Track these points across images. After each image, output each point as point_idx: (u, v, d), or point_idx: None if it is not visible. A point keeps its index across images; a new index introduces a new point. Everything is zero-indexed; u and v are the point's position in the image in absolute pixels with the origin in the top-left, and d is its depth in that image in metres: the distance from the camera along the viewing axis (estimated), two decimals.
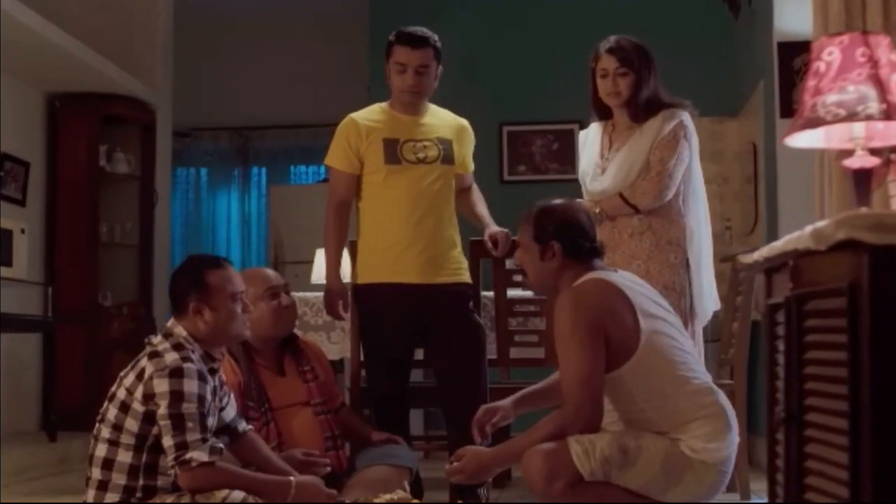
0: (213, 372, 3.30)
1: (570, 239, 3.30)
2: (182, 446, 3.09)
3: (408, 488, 3.70)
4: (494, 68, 7.71)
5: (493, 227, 4.26)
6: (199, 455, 3.09)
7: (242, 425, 3.47)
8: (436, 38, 4.16)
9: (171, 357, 3.15)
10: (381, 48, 8.25)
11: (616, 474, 3.05)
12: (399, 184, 4.11)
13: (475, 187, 4.45)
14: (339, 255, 4.23)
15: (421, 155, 4.13)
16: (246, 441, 3.46)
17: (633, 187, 4.01)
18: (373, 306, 4.16)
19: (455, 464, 3.31)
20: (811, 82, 2.52)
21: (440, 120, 4.25)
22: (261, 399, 3.76)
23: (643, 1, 7.44)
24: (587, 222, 3.38)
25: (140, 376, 3.16)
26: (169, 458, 3.10)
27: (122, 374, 3.26)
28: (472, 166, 4.38)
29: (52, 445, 6.05)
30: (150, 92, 7.82)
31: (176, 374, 3.11)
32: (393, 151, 4.11)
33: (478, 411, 3.49)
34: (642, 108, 4.05)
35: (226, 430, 3.42)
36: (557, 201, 3.42)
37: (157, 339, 3.26)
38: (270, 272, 3.97)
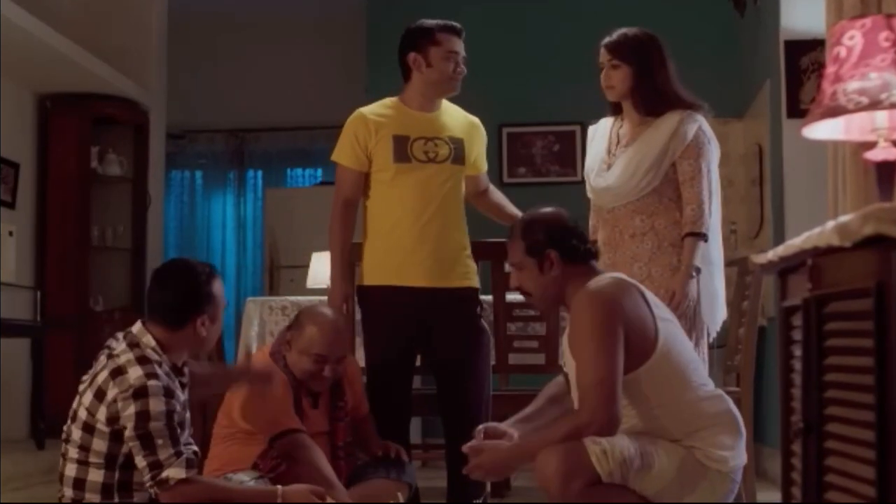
0: (183, 386, 3.17)
1: (565, 243, 3.22)
2: (156, 465, 2.99)
3: (401, 499, 3.60)
4: (494, 69, 7.59)
5: None
6: (175, 472, 2.99)
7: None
8: None
9: (136, 374, 3.01)
10: (379, 50, 8.24)
11: (633, 478, 2.96)
12: (408, 183, 3.97)
13: (493, 187, 4.34)
14: (345, 256, 4.10)
15: (431, 154, 4.00)
16: None
17: (686, 220, 3.85)
18: (377, 309, 4.05)
19: (473, 461, 3.18)
20: (831, 68, 2.40)
21: (452, 118, 4.13)
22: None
23: (647, 0, 7.36)
24: (575, 224, 3.31)
25: (100, 396, 3.03)
26: (145, 478, 3.00)
27: (81, 387, 3.12)
28: (485, 166, 4.27)
29: (40, 454, 5.93)
30: (143, 92, 7.75)
31: (140, 394, 2.98)
32: (403, 149, 3.98)
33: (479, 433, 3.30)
34: (650, 101, 3.92)
35: None
36: (541, 210, 3.35)
37: (119, 348, 3.10)
38: (337, 334, 3.75)
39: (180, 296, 3.17)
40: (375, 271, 4.04)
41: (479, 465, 3.15)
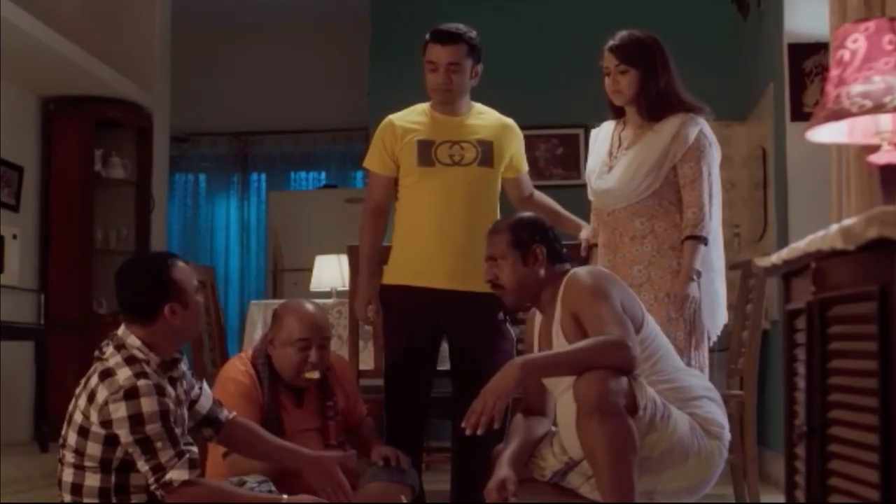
0: (173, 381, 3.14)
1: (550, 243, 3.42)
2: (158, 469, 2.97)
3: (404, 500, 3.59)
4: (496, 72, 7.55)
5: (588, 229, 4.17)
6: (178, 475, 2.98)
7: (224, 413, 3.34)
8: (472, 34, 4.03)
9: (124, 375, 2.99)
10: (382, 53, 8.22)
11: (658, 421, 3.05)
12: (432, 186, 3.99)
13: (539, 192, 4.31)
14: (372, 259, 4.12)
15: (456, 157, 4.00)
16: (234, 427, 3.33)
17: (686, 224, 3.84)
18: (395, 309, 4.05)
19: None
20: (834, 72, 2.39)
21: (482, 120, 4.12)
22: (276, 429, 3.63)
23: (649, 2, 7.34)
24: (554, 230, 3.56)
25: (91, 398, 3.00)
26: (149, 481, 2.99)
27: (77, 390, 3.10)
28: (524, 167, 4.25)
29: (43, 457, 5.92)
30: (147, 95, 7.74)
31: (131, 395, 2.95)
32: (426, 153, 4.00)
33: (490, 489, 3.22)
34: (654, 105, 3.90)
35: (207, 422, 3.29)
36: (524, 214, 3.59)
37: (108, 351, 3.09)
38: (315, 317, 3.74)
39: (141, 289, 3.14)
40: (397, 271, 4.06)
41: (488, 391, 3.06)
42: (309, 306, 3.77)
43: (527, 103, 7.61)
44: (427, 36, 4.02)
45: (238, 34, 9.85)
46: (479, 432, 3.03)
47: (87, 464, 3.02)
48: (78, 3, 7.66)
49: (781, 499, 2.40)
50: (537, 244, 3.39)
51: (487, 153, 4.04)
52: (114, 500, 3.03)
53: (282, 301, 4.16)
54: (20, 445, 6.50)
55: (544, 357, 3.22)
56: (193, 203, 10.44)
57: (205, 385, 3.33)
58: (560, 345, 3.25)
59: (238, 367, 3.73)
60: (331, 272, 6.98)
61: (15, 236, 6.77)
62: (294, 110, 9.81)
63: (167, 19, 8.11)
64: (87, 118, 7.33)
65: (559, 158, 7.73)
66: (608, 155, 4.02)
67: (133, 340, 3.09)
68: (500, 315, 4.02)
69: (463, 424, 3.05)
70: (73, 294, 7.16)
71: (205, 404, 3.29)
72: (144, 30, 7.89)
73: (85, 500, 3.03)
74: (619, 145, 4.00)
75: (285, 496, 3.26)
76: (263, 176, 10.37)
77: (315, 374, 3.66)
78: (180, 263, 3.21)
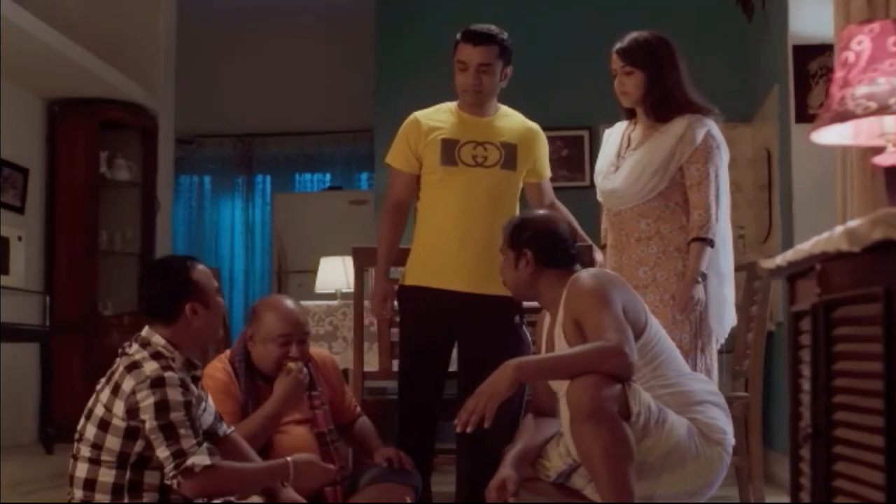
0: (195, 380, 3.19)
1: (543, 248, 3.40)
2: (180, 454, 2.99)
3: (409, 501, 3.59)
4: None
5: (598, 253, 4.16)
6: (200, 460, 3.00)
7: (223, 428, 3.35)
8: (504, 35, 4.03)
9: (151, 367, 3.04)
10: (387, 55, 8.22)
11: (653, 427, 3.04)
12: (454, 186, 3.98)
13: (559, 204, 4.26)
14: (390, 255, 4.10)
15: (480, 158, 3.99)
16: (229, 444, 3.33)
17: (692, 226, 3.83)
18: (412, 310, 4.05)
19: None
20: (839, 73, 2.39)
21: (507, 123, 4.12)
22: None
23: (653, 3, 7.34)
24: (565, 231, 3.50)
25: (116, 391, 3.04)
26: (168, 469, 3.00)
27: (98, 387, 3.14)
28: (547, 173, 4.23)
29: (48, 458, 5.92)
30: (151, 97, 7.74)
31: (158, 383, 3.01)
32: (450, 153, 3.99)
33: (490, 489, 3.24)
34: (660, 106, 3.91)
35: (205, 435, 3.28)
36: (537, 212, 3.63)
37: (133, 349, 3.14)
38: (295, 312, 3.74)
39: (162, 289, 3.20)
40: (416, 272, 4.05)
41: (481, 392, 3.08)
42: (288, 302, 3.79)
43: (532, 104, 7.56)
44: (458, 35, 4.01)
45: (242, 36, 9.86)
46: (468, 430, 3.04)
47: (104, 458, 3.04)
48: (82, 5, 7.67)
49: (786, 500, 2.40)
50: (526, 247, 3.40)
51: (511, 156, 4.03)
52: (126, 498, 3.04)
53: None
54: (25, 447, 6.51)
55: (539, 360, 3.24)
56: (198, 205, 10.46)
57: (209, 399, 3.35)
58: (562, 348, 3.25)
59: (216, 366, 3.76)
60: (335, 274, 6.98)
61: (20, 238, 6.78)
62: (299, 112, 9.82)
63: (172, 21, 8.11)
64: (92, 120, 7.32)
65: (564, 160, 7.71)
66: (616, 155, 4.02)
67: (158, 339, 3.15)
68: (517, 318, 4.01)
69: (455, 422, 3.07)
70: (78, 296, 7.14)
71: (207, 419, 3.30)
72: (149, 32, 7.90)
73: (97, 497, 3.05)
74: (628, 146, 4.00)
75: (289, 459, 3.29)
76: (268, 178, 10.38)
77: (295, 366, 3.66)
78: (200, 266, 3.27)
